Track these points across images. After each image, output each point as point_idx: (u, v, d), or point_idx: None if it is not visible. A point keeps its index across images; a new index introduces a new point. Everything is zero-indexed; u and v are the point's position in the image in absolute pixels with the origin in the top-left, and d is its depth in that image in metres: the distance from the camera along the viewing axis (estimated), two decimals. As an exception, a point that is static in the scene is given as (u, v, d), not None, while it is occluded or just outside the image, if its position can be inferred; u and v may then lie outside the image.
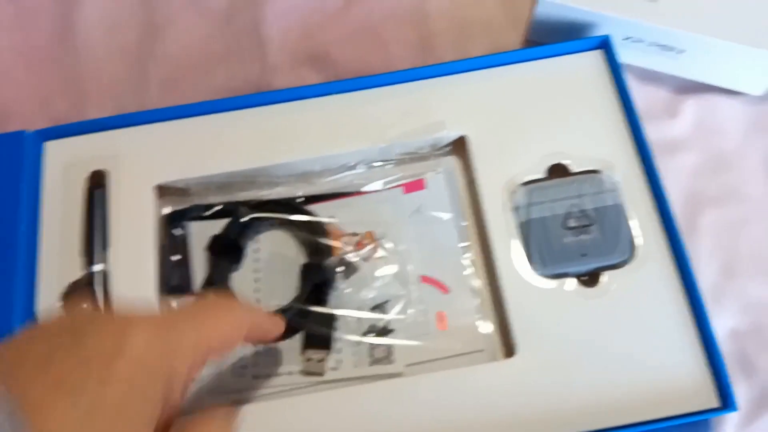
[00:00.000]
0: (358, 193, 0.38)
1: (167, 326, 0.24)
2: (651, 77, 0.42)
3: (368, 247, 0.37)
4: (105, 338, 0.22)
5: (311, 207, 0.38)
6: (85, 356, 0.21)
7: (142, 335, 0.23)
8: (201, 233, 0.37)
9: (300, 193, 0.38)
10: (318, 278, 0.36)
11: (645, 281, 0.34)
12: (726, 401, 0.32)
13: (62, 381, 0.21)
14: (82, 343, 0.22)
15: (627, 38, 0.40)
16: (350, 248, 0.37)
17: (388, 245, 0.37)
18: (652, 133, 0.41)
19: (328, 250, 0.37)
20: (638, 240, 0.35)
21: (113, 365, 0.22)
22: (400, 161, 0.39)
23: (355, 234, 0.37)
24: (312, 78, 0.43)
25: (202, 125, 0.39)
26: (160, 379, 0.23)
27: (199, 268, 0.37)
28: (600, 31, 0.40)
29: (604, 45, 0.39)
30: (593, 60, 0.40)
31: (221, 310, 0.27)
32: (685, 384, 0.32)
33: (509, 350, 0.34)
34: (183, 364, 0.24)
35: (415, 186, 0.39)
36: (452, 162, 0.40)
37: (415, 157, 0.39)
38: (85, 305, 0.34)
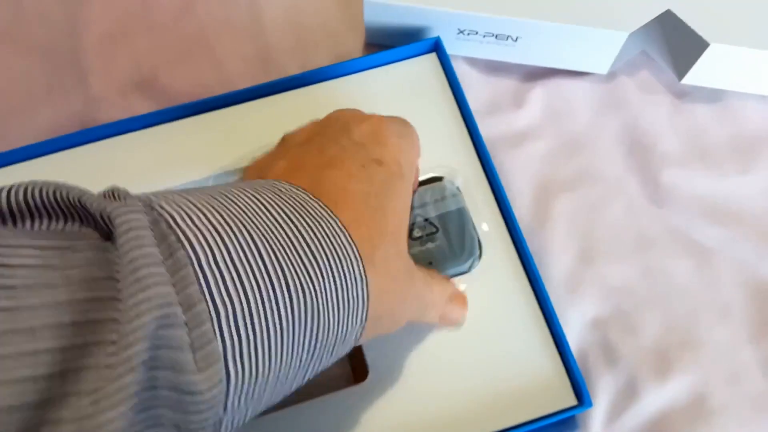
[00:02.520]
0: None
1: (405, 130, 0.29)
2: (496, 68, 0.41)
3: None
4: (366, 127, 0.27)
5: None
6: (356, 141, 0.26)
7: (393, 128, 0.28)
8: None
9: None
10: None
11: (495, 284, 0.33)
12: (581, 398, 0.31)
13: (344, 159, 0.25)
14: (350, 132, 0.27)
15: (461, 31, 0.38)
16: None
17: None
18: (500, 125, 0.40)
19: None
20: (485, 242, 0.34)
21: (382, 147, 0.26)
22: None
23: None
24: (142, 107, 0.40)
25: (16, 174, 0.36)
26: (410, 171, 0.28)
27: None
28: (432, 27, 0.39)
29: (436, 47, 0.38)
30: (428, 63, 0.38)
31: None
32: (546, 384, 0.32)
33: (365, 371, 0.33)
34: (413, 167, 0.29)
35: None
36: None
37: (257, 179, 0.37)
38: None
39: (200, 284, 0.18)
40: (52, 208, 0.19)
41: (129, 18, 0.43)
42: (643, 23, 0.37)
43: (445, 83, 0.38)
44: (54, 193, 0.19)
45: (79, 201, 0.19)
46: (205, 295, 0.18)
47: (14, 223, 0.19)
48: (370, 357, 0.32)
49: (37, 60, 0.42)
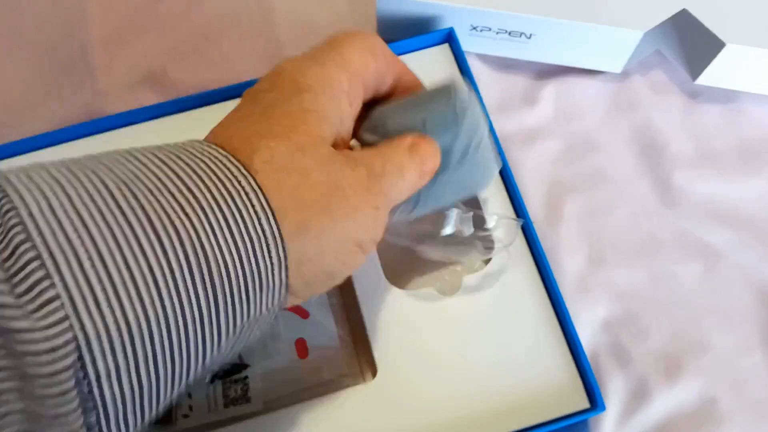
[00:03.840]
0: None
1: (315, 62, 0.26)
2: (508, 65, 0.41)
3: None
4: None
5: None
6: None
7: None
8: None
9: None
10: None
11: (508, 284, 0.33)
12: (594, 402, 0.30)
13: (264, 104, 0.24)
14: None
15: (474, 28, 0.38)
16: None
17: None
18: (512, 123, 0.39)
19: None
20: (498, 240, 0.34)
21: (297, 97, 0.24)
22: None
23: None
24: (150, 102, 0.39)
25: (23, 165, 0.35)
26: (332, 112, 0.24)
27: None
28: (445, 23, 0.38)
29: (449, 38, 0.38)
30: (441, 54, 0.38)
31: (357, 39, 0.27)
32: (558, 386, 0.31)
33: (374, 370, 0.32)
34: (345, 102, 0.25)
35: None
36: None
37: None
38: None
39: (29, 232, 0.18)
40: None
41: (137, 13, 0.43)
42: (659, 22, 0.37)
43: (457, 75, 0.37)
44: None
45: None
46: (35, 243, 0.18)
47: None
48: (378, 355, 0.32)
49: (46, 56, 0.41)
